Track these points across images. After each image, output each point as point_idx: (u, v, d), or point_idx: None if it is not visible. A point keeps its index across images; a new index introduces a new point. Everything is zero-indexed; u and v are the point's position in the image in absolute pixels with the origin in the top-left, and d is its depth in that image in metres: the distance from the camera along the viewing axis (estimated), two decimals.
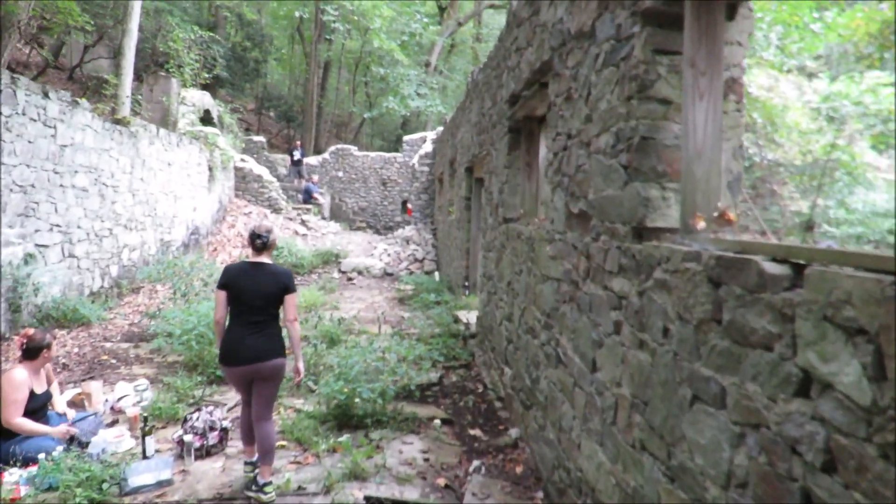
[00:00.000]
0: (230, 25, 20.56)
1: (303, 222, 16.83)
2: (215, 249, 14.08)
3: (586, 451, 3.23)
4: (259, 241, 3.96)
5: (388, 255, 15.26)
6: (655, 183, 2.64)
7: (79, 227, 8.80)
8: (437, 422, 5.12)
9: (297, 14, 24.35)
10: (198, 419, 4.51)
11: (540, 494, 3.92)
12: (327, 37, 25.10)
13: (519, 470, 4.27)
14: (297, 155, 20.47)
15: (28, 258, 7.58)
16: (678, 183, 2.63)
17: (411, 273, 13.95)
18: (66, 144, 8.37)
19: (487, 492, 3.87)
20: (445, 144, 14.32)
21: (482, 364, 6.73)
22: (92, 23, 11.15)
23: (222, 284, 3.91)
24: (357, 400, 4.81)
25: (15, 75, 7.31)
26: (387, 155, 21.19)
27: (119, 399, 5.35)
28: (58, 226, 8.25)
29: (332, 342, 7.04)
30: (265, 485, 3.78)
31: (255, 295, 3.88)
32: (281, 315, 4.02)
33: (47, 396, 4.63)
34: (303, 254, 14.03)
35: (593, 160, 3.22)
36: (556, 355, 3.89)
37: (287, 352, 4.00)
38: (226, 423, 4.67)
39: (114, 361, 6.90)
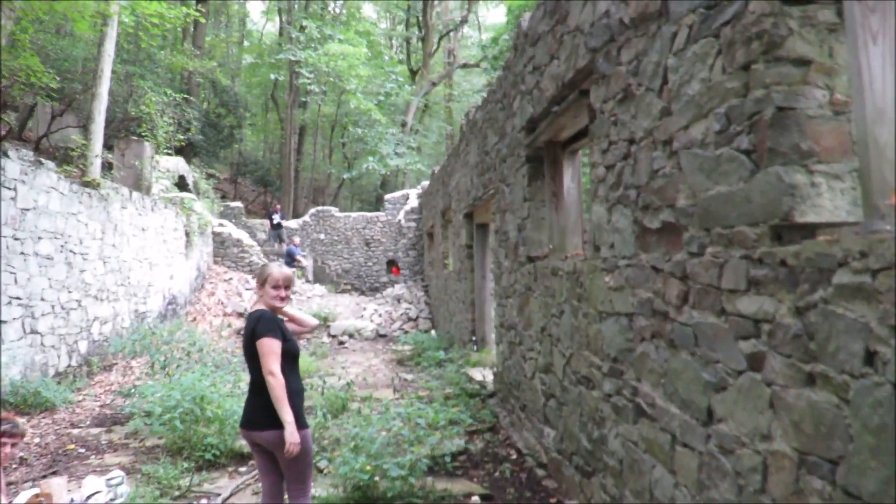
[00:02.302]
0: (203, 91, 20.23)
1: None
2: (194, 319, 13.14)
3: None
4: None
5: (380, 315, 14.43)
6: (800, 166, 2.02)
7: (42, 299, 7.91)
8: (476, 499, 4.29)
9: (272, 76, 24.22)
10: None
11: None
12: (303, 98, 24.92)
13: None
14: (276, 218, 19.82)
15: None
16: (830, 164, 2.02)
17: (406, 333, 13.12)
18: (27, 208, 7.59)
19: None
20: (435, 196, 13.81)
21: (510, 426, 5.92)
22: (57, 78, 10.52)
23: None
24: (380, 479, 3.98)
25: None
26: (369, 214, 20.66)
27: (88, 498, 4.42)
28: (17, 298, 7.36)
29: (337, 411, 6.18)
30: None
31: (244, 349, 3.26)
32: None
33: None
34: None
35: (684, 157, 2.60)
36: (633, 407, 3.16)
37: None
38: None
39: (82, 451, 5.93)
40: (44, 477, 5.03)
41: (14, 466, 5.37)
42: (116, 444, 6.16)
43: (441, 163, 14.25)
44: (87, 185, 9.34)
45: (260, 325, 3.09)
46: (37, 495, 4.17)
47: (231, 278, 15.47)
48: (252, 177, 27.76)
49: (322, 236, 20.18)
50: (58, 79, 10.64)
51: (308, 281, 17.98)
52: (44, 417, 6.86)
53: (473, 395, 6.72)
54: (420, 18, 29.82)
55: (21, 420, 4.02)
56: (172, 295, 12.95)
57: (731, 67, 2.27)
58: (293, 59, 22.79)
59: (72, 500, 4.42)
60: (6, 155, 7.19)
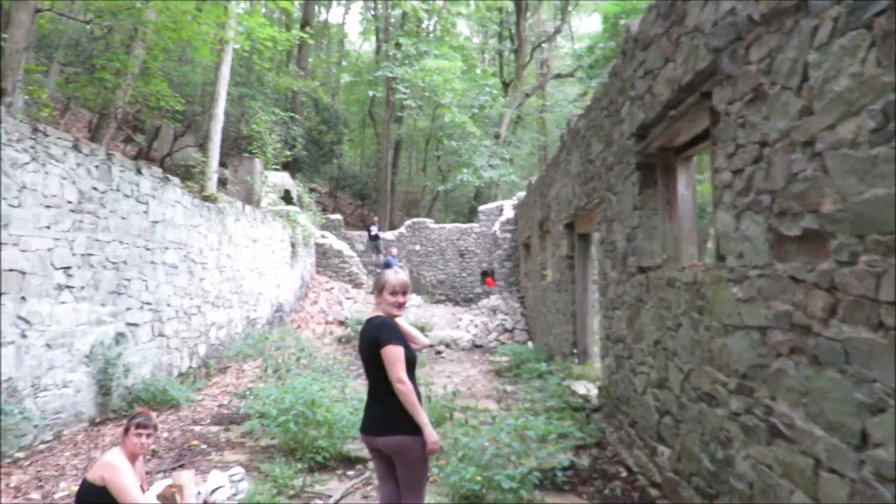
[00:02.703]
0: (306, 109, 21.25)
1: None
2: (299, 326, 13.71)
3: None
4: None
5: (475, 326, 14.46)
6: None
7: (168, 304, 8.54)
8: None
9: (369, 93, 25.04)
10: None
11: None
12: (398, 113, 25.58)
13: None
14: (374, 230, 20.42)
15: (119, 337, 7.27)
16: None
17: (502, 344, 13.06)
18: (157, 220, 8.23)
19: None
20: (532, 207, 13.70)
21: (617, 442, 5.72)
22: (182, 101, 11.43)
23: None
24: (489, 490, 3.95)
25: (111, 152, 7.26)
26: (463, 226, 20.83)
27: (213, 491, 4.67)
28: (148, 303, 7.98)
29: (440, 420, 6.22)
30: None
31: (362, 356, 3.34)
32: None
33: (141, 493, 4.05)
34: None
35: (831, 158, 2.42)
36: (767, 427, 2.96)
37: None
38: None
39: (204, 446, 6.31)
40: (174, 469, 5.38)
41: (148, 458, 5.78)
42: (234, 442, 6.50)
43: (539, 173, 14.15)
44: (206, 199, 10.01)
45: (383, 333, 3.14)
46: (170, 486, 4.47)
47: (332, 288, 16.04)
48: (350, 190, 28.76)
49: (417, 247, 20.53)
50: (182, 102, 11.54)
51: None
52: (170, 414, 7.36)
53: (577, 409, 6.56)
54: (513, 31, 29.89)
55: (153, 414, 4.31)
56: (279, 303, 13.59)
57: (887, 60, 2.10)
58: (390, 75, 23.48)
59: (199, 492, 4.70)
60: (139, 172, 7.84)
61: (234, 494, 4.68)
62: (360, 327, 12.43)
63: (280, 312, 13.60)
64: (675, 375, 4.23)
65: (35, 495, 4.82)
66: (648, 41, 4.78)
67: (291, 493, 4.88)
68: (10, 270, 5.76)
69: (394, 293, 3.31)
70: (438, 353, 12.91)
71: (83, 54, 13.29)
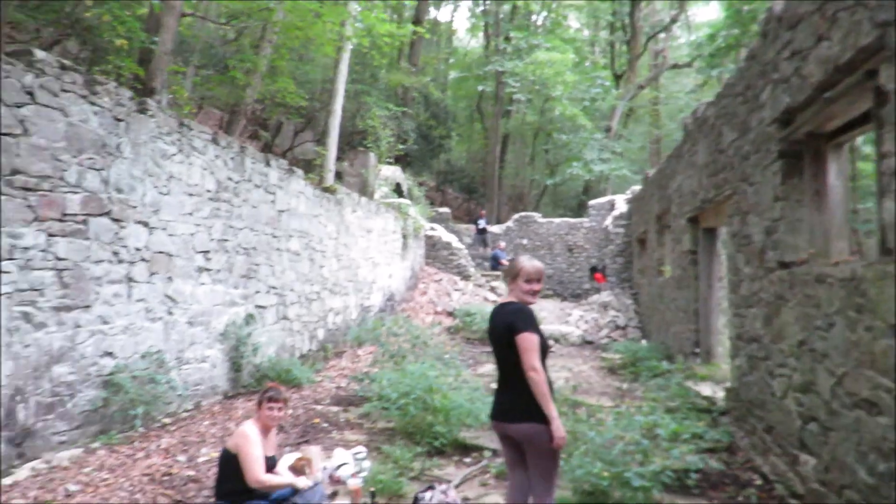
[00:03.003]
0: (416, 105, 21.69)
1: (492, 289, 16.43)
2: (408, 316, 14.01)
3: None
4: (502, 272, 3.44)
5: (586, 322, 14.15)
6: None
7: (292, 289, 9.00)
8: None
9: (479, 88, 25.14)
10: (432, 498, 3.83)
11: None
12: (507, 108, 25.48)
13: None
14: (481, 224, 20.52)
15: (248, 318, 7.76)
16: None
17: (613, 341, 12.69)
18: (282, 210, 8.70)
19: None
20: (649, 201, 13.18)
21: (749, 447, 5.37)
22: (306, 97, 12.00)
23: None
24: (616, 487, 3.83)
25: (243, 145, 7.75)
26: (572, 220, 20.44)
27: (338, 467, 4.87)
28: (274, 288, 8.46)
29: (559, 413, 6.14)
30: None
31: (494, 341, 3.32)
32: None
33: (273, 462, 4.30)
34: None
35: None
36: None
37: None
38: None
39: (325, 425, 6.60)
40: (299, 444, 5.67)
41: (276, 432, 6.13)
42: (352, 422, 6.75)
43: (656, 166, 13.58)
44: (326, 190, 10.46)
45: (520, 320, 3.14)
46: (300, 458, 4.71)
47: (441, 279, 16.27)
48: (458, 184, 29.02)
49: (525, 241, 20.39)
50: (307, 97, 12.13)
51: None
52: (293, 393, 7.76)
53: (702, 411, 6.23)
54: (626, 22, 28.86)
55: (283, 388, 4.54)
56: (391, 292, 13.98)
57: None
58: (500, 69, 23.44)
59: (324, 467, 4.92)
60: (268, 164, 8.32)
61: (359, 472, 4.84)
62: (468, 318, 12.50)
63: (391, 301, 13.98)
64: (825, 379, 3.90)
65: (181, 458, 5.25)
66: (796, 20, 4.43)
67: (412, 474, 4.99)
68: (160, 252, 6.29)
69: (528, 280, 3.29)
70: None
71: (215, 57, 14.27)
